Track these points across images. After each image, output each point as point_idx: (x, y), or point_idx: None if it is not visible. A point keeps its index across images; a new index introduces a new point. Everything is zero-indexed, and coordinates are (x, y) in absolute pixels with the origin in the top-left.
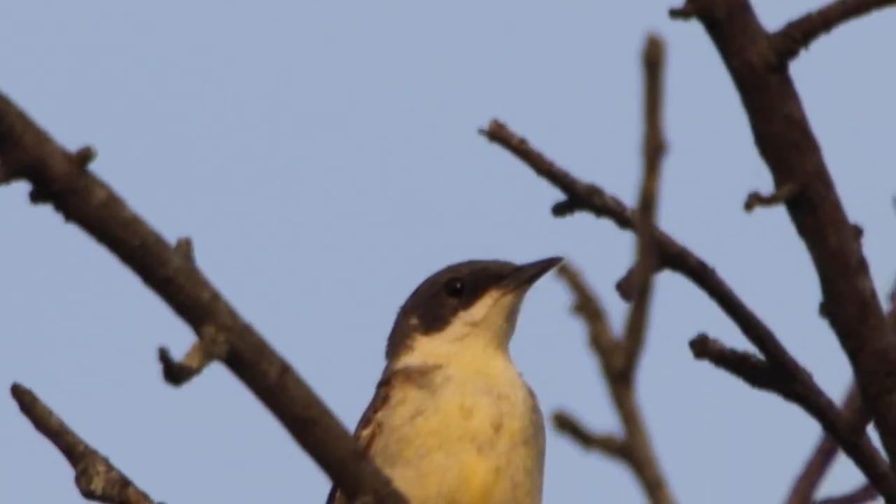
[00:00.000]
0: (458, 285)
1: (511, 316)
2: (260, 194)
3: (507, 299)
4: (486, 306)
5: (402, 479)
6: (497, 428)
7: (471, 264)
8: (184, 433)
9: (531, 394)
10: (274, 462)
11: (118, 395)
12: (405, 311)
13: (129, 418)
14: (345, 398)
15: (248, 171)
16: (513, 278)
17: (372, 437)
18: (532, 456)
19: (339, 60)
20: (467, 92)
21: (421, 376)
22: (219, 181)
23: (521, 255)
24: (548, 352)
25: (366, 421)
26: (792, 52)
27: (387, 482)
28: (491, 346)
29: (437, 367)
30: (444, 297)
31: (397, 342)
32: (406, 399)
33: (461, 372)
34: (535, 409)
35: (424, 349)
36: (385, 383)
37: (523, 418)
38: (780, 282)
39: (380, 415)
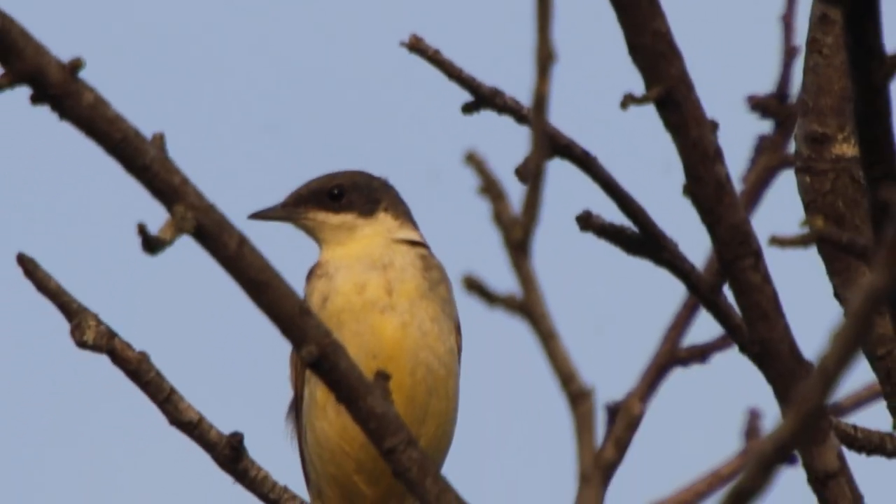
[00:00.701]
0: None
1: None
2: (215, 96)
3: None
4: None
5: None
6: (390, 293)
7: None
8: (160, 295)
9: (421, 257)
10: (234, 319)
11: (106, 263)
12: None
13: (116, 282)
14: (292, 265)
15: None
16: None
17: None
18: (433, 306)
19: None
20: (396, 13)
21: (320, 268)
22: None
23: (436, 147)
24: (460, 226)
25: None
26: None
27: (327, 333)
28: (381, 236)
29: (337, 256)
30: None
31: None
32: (315, 290)
33: (351, 257)
34: (426, 268)
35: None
36: (306, 279)
37: (414, 279)
38: (651, 168)
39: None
